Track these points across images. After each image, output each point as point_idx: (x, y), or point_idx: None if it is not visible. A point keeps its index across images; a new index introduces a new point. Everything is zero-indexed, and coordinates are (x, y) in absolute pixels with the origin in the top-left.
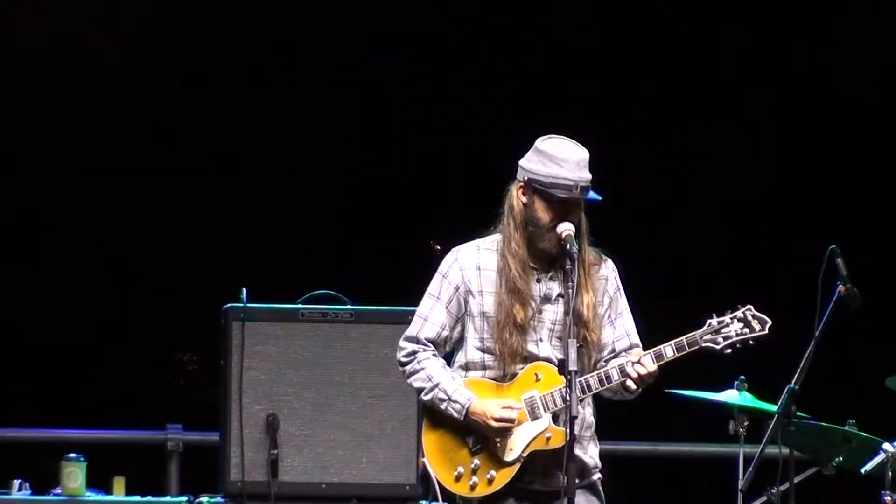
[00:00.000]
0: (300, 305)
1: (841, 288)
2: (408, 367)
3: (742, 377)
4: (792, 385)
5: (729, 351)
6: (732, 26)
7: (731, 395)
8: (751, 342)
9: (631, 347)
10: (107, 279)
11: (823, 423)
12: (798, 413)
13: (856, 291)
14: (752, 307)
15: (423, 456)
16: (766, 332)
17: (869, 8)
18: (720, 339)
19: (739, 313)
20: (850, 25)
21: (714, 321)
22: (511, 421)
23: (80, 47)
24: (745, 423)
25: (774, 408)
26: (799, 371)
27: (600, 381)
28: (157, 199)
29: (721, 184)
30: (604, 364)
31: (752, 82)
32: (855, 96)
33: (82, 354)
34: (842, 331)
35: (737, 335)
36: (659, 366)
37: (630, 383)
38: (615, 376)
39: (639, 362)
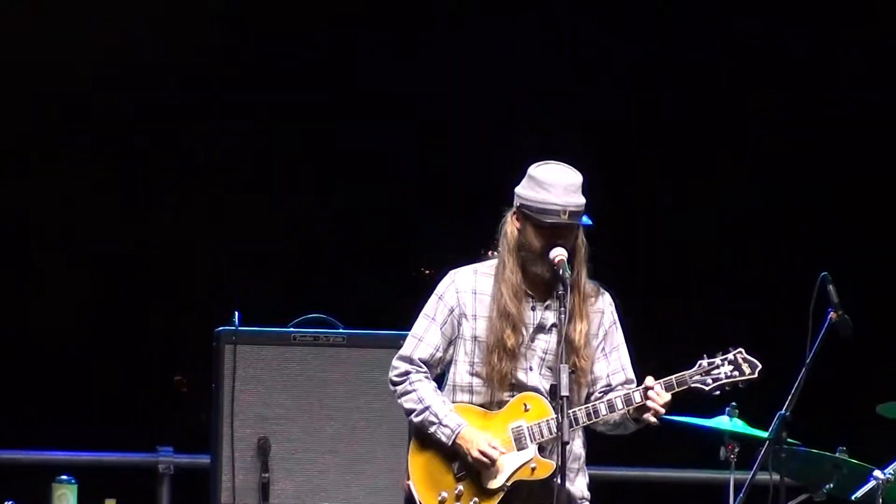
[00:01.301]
0: (292, 329)
1: (832, 315)
2: (399, 388)
3: (733, 403)
4: (783, 411)
5: (717, 393)
6: (726, 52)
7: (723, 422)
8: (740, 385)
9: (626, 382)
10: (99, 301)
11: (814, 450)
12: (789, 439)
13: (847, 318)
14: (742, 350)
15: (407, 479)
16: (756, 375)
17: (867, 25)
18: (709, 381)
19: (730, 356)
20: (845, 47)
21: (704, 362)
22: (491, 460)
23: (71, 59)
24: (736, 450)
25: (765, 434)
26: (790, 398)
27: (588, 415)
28: (150, 221)
29: (713, 210)
30: (599, 396)
31: (741, 110)
32: (850, 120)
33: (74, 376)
34: (833, 357)
35: (726, 377)
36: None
37: (648, 416)
38: (603, 411)
39: (653, 390)
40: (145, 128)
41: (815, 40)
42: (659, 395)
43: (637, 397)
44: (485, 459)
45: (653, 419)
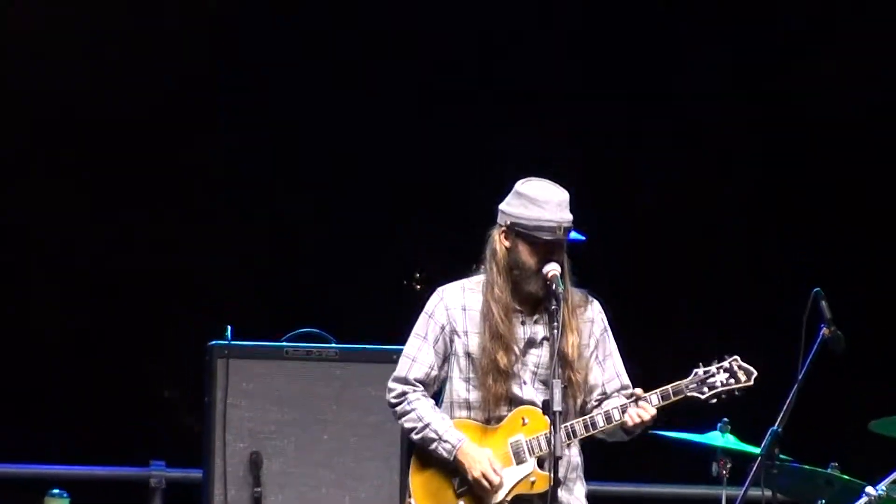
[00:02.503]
0: (285, 343)
1: (825, 330)
2: (398, 408)
3: (725, 419)
4: (775, 427)
5: (714, 401)
6: (714, 78)
7: (715, 437)
8: (736, 392)
9: (622, 388)
10: (91, 315)
11: (806, 466)
12: (781, 455)
13: (839, 334)
14: (738, 358)
15: (409, 496)
16: (752, 383)
17: (856, 37)
18: (705, 389)
19: (726, 364)
20: (833, 61)
21: (700, 371)
22: (492, 484)
23: (62, 70)
24: (728, 466)
25: (757, 450)
26: (782, 413)
27: (586, 427)
28: (143, 235)
29: (705, 221)
30: (595, 404)
31: (734, 118)
32: (842, 131)
33: (66, 390)
34: (825, 373)
35: (722, 385)
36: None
37: (629, 425)
38: (601, 423)
39: (641, 407)
40: (136, 141)
41: (805, 43)
42: (644, 407)
43: (616, 415)
44: (485, 482)
45: (631, 425)
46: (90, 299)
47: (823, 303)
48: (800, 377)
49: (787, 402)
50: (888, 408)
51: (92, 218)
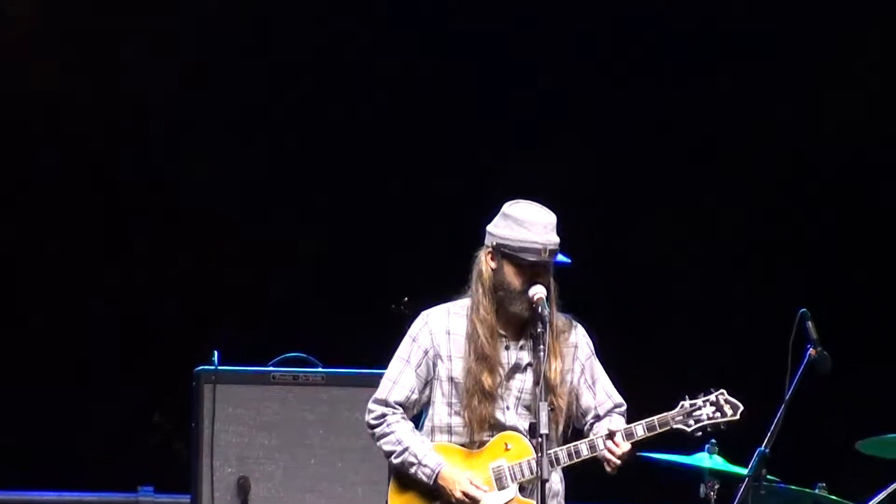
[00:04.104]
0: (272, 368)
1: (811, 351)
2: (377, 430)
3: (713, 440)
4: (762, 448)
5: (699, 434)
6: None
7: (702, 459)
8: (722, 427)
9: (615, 407)
10: (79, 340)
11: (794, 487)
12: (768, 476)
13: (826, 354)
14: (724, 391)
15: None
16: (738, 417)
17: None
18: (691, 422)
19: (712, 397)
20: (826, 90)
21: (687, 403)
22: (476, 500)
23: (53, 92)
24: (716, 487)
25: (745, 471)
26: (769, 434)
27: (569, 456)
28: (129, 261)
29: (692, 245)
30: (590, 427)
31: (723, 145)
32: (827, 158)
33: (54, 415)
34: (812, 394)
35: (708, 419)
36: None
37: (605, 465)
38: (584, 451)
39: (612, 440)
40: (124, 167)
41: (797, 77)
42: (617, 444)
43: (599, 444)
44: (467, 501)
45: (608, 469)
46: (77, 325)
47: (810, 323)
48: (787, 398)
49: (775, 422)
50: (875, 428)
51: (79, 243)
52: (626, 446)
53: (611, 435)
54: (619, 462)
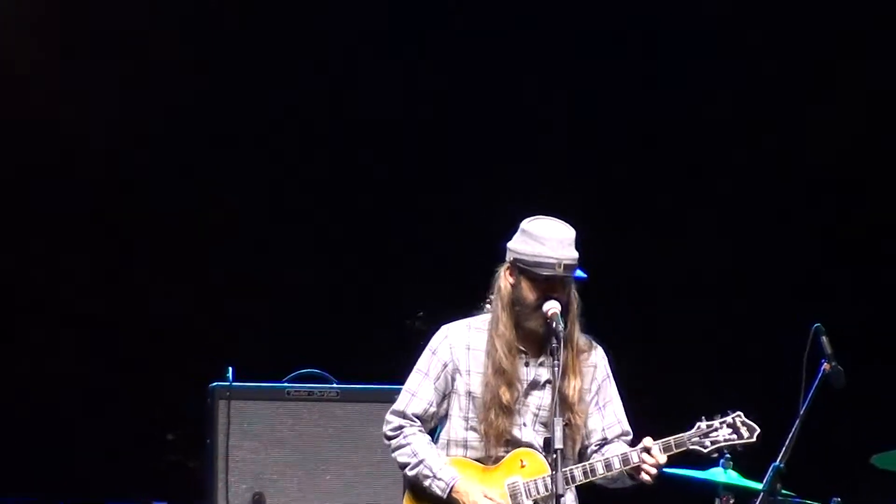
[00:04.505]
0: (286, 384)
1: (826, 366)
2: (393, 442)
3: (728, 455)
4: (777, 463)
5: (716, 455)
6: (709, 102)
7: (717, 473)
8: (738, 448)
9: (622, 434)
10: (92, 354)
11: (809, 501)
12: (783, 491)
13: (840, 369)
14: (741, 413)
15: None
16: (754, 439)
17: (845, 85)
18: (707, 443)
19: (729, 419)
20: (823, 101)
21: (703, 424)
22: None
23: (53, 115)
24: (731, 501)
25: (760, 485)
26: (784, 448)
27: (585, 474)
28: (144, 277)
29: (704, 261)
30: (595, 449)
31: (725, 155)
32: (829, 168)
33: (68, 431)
34: (827, 408)
35: (724, 440)
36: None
37: (644, 475)
38: (616, 465)
39: (648, 453)
40: (134, 185)
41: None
42: (655, 457)
43: (634, 458)
44: None
45: (647, 479)
46: (93, 342)
47: (824, 338)
48: (801, 412)
49: (790, 437)
50: (890, 442)
51: (93, 259)
52: (662, 458)
53: (646, 449)
54: (655, 473)
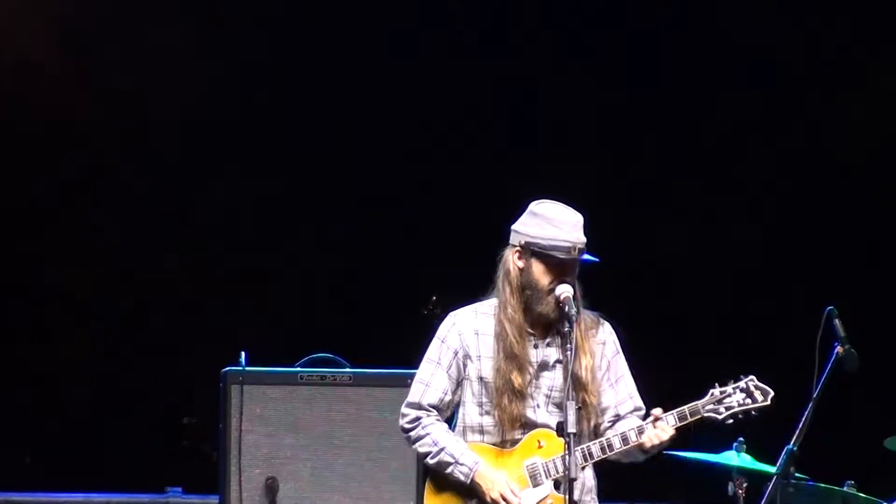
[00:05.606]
0: (299, 369)
1: (839, 349)
2: (412, 433)
3: (741, 438)
4: (790, 446)
5: (731, 421)
6: (732, 86)
7: (730, 457)
8: (753, 413)
9: (635, 410)
10: (106, 342)
11: (822, 485)
12: (797, 474)
13: (853, 352)
14: (754, 377)
15: None
16: (769, 402)
17: (867, 80)
18: (722, 409)
19: (742, 383)
20: (848, 94)
21: (716, 391)
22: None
23: (77, 114)
24: (744, 485)
25: (773, 469)
26: (797, 432)
27: (602, 449)
28: (156, 262)
29: (720, 243)
30: (609, 426)
31: (751, 145)
32: (852, 159)
33: (83, 417)
34: (840, 391)
35: (739, 405)
36: None
37: (648, 446)
38: (632, 438)
39: (659, 427)
40: (151, 177)
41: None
42: (663, 429)
43: (650, 430)
44: (501, 502)
45: (651, 442)
46: (106, 328)
47: (837, 321)
48: (815, 395)
49: (803, 420)
50: None
51: (108, 249)
52: (671, 431)
53: (655, 420)
54: (660, 444)
